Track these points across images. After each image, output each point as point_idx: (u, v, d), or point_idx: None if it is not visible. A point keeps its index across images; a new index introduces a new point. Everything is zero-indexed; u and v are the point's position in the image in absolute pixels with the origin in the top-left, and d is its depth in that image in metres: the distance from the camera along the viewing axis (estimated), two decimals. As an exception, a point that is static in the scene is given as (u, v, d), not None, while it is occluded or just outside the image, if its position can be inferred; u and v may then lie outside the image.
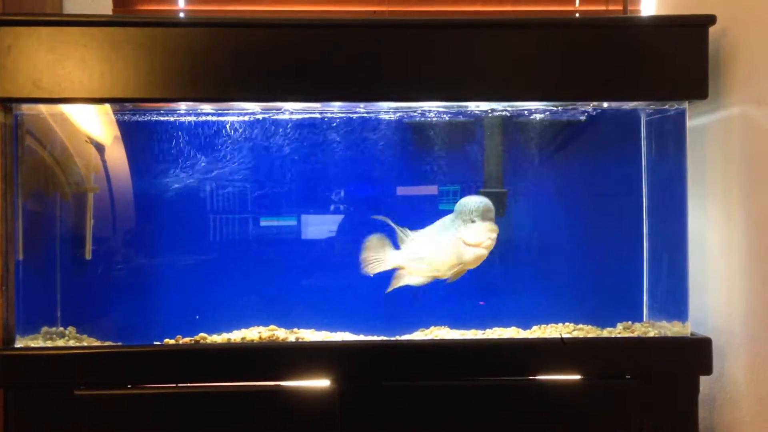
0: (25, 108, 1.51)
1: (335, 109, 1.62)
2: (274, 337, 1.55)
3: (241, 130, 1.67)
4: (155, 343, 1.51)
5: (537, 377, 1.46)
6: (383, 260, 1.66)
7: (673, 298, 1.57)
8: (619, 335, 1.58)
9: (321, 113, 1.65)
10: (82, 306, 1.65)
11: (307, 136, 1.69)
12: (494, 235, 1.57)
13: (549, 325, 1.65)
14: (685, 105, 1.51)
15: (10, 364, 1.40)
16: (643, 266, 1.67)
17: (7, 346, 1.43)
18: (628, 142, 1.69)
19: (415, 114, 1.65)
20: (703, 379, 1.49)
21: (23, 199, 1.49)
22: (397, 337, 1.58)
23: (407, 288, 1.68)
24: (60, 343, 1.53)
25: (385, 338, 1.55)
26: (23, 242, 1.48)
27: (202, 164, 1.68)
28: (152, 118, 1.65)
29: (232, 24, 1.42)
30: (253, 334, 1.57)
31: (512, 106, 1.59)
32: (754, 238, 1.44)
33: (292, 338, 1.56)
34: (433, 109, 1.62)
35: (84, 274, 1.66)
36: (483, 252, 1.58)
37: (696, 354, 1.46)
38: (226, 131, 1.67)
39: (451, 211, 1.63)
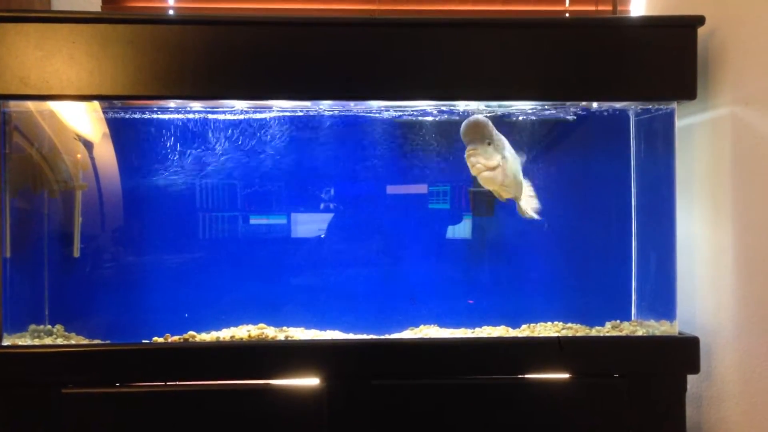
0: (13, 105, 1.50)
1: (323, 107, 1.62)
2: (264, 336, 1.54)
3: (229, 128, 1.67)
4: (144, 341, 1.51)
5: (526, 376, 1.47)
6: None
7: (661, 297, 1.58)
8: (607, 334, 1.59)
9: (304, 111, 1.64)
10: (70, 304, 1.64)
11: (293, 133, 1.69)
12: (473, 159, 1.51)
13: (538, 324, 1.65)
14: (674, 105, 1.52)
15: (-3, 363, 1.39)
16: (632, 265, 1.68)
17: (-6, 345, 1.43)
18: (617, 142, 1.70)
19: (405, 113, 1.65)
20: (691, 378, 1.50)
21: (11, 197, 1.48)
22: (387, 336, 1.58)
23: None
24: (48, 341, 1.53)
25: (374, 337, 1.55)
26: (11, 240, 1.47)
27: (191, 162, 1.67)
28: (141, 116, 1.64)
29: (222, 22, 1.42)
30: (243, 332, 1.56)
31: (501, 106, 1.60)
32: (741, 237, 1.45)
33: (281, 337, 1.55)
34: (424, 108, 1.62)
35: (72, 271, 1.65)
36: (484, 176, 1.53)
37: (683, 353, 1.47)
38: (214, 129, 1.66)
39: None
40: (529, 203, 1.66)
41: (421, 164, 1.73)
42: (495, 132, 1.54)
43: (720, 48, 1.50)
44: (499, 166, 1.53)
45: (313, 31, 1.42)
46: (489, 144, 1.52)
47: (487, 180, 1.54)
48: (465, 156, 1.51)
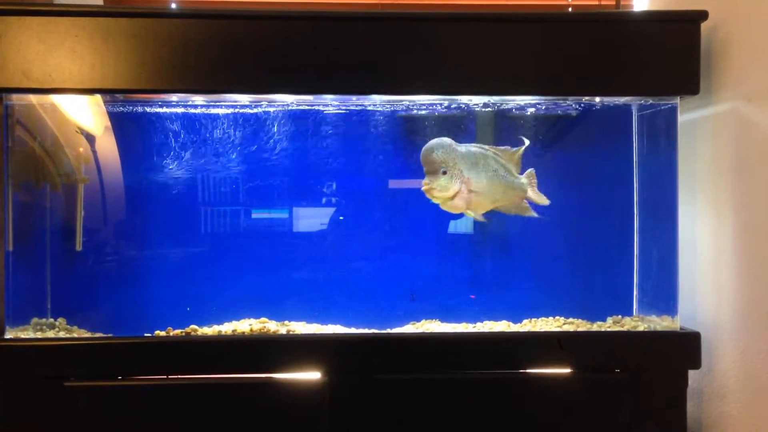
0: (15, 98, 1.50)
1: (325, 101, 1.62)
2: (265, 330, 1.55)
3: (231, 122, 1.67)
4: (146, 334, 1.51)
5: (528, 370, 1.47)
6: None
7: (662, 292, 1.58)
8: (609, 329, 1.59)
9: (312, 106, 1.64)
10: (72, 297, 1.64)
11: (294, 128, 1.69)
12: (427, 194, 1.55)
13: (540, 319, 1.66)
14: (677, 100, 1.52)
15: (-1, 356, 1.40)
16: (634, 261, 1.68)
17: (-4, 337, 1.43)
18: (619, 138, 1.69)
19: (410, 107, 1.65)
20: (692, 373, 1.50)
21: (13, 190, 1.48)
22: (388, 330, 1.58)
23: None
24: (50, 334, 1.53)
25: (376, 331, 1.56)
26: (13, 233, 1.48)
27: (193, 156, 1.67)
28: (143, 109, 1.64)
29: (225, 15, 1.42)
30: (244, 326, 1.57)
31: (503, 100, 1.59)
32: (743, 233, 1.45)
33: (283, 330, 1.56)
34: (426, 102, 1.62)
35: (74, 265, 1.65)
36: (444, 207, 1.58)
37: (685, 348, 1.47)
38: (216, 122, 1.66)
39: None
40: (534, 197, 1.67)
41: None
42: (455, 154, 1.55)
43: (723, 43, 1.49)
44: (459, 193, 1.55)
45: (315, 25, 1.42)
46: (444, 173, 1.54)
47: (450, 208, 1.58)
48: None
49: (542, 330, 1.58)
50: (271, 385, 1.44)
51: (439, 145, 1.55)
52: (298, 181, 1.73)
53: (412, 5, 2.14)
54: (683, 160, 1.55)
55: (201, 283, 1.69)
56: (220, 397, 1.43)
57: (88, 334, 1.56)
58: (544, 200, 1.66)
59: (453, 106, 1.63)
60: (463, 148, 1.58)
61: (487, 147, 1.61)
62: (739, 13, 1.46)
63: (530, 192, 1.66)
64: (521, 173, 1.65)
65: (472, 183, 1.56)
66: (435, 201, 1.57)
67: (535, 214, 1.66)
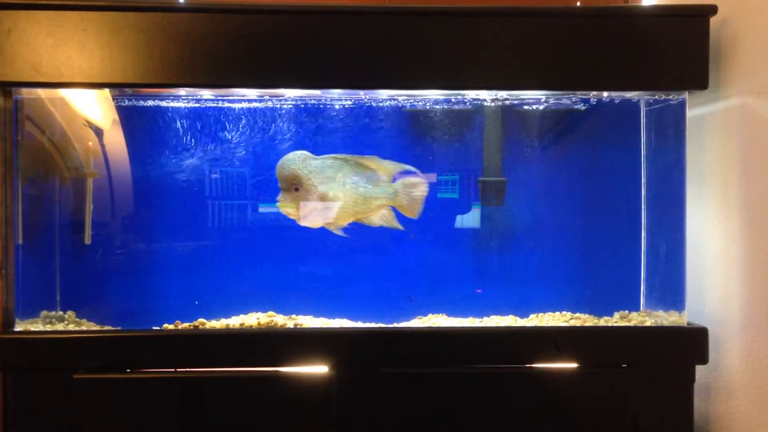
0: (25, 92, 1.51)
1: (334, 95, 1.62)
2: (273, 324, 1.55)
3: (239, 116, 1.67)
4: (154, 328, 1.52)
5: (534, 365, 1.47)
6: None
7: (670, 287, 1.58)
8: (616, 324, 1.59)
9: (319, 100, 1.65)
10: (81, 290, 1.65)
11: (301, 123, 1.69)
12: (281, 211, 1.57)
13: (546, 314, 1.66)
14: (685, 95, 1.51)
15: (9, 348, 1.40)
16: (641, 256, 1.68)
17: (6, 330, 1.44)
18: (627, 132, 1.69)
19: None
20: (699, 369, 1.50)
21: (23, 184, 1.49)
22: (395, 325, 1.59)
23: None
24: (59, 327, 1.54)
25: (383, 325, 1.56)
26: (23, 226, 1.49)
27: (202, 150, 1.68)
28: (151, 103, 1.64)
29: (233, 10, 1.42)
30: (252, 320, 1.57)
31: (512, 95, 1.59)
32: (751, 228, 1.44)
33: (290, 324, 1.56)
34: (433, 97, 1.62)
35: (83, 258, 1.66)
36: (301, 223, 1.60)
37: (692, 343, 1.47)
38: (224, 117, 1.67)
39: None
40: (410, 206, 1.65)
41: (429, 154, 1.73)
42: (309, 168, 1.56)
43: (732, 38, 1.49)
44: (314, 208, 1.56)
45: (323, 20, 1.42)
46: (296, 189, 1.55)
47: (306, 223, 1.59)
48: None
49: (549, 325, 1.58)
50: (279, 379, 1.45)
51: (292, 160, 1.56)
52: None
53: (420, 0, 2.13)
54: (691, 155, 1.55)
55: (209, 277, 1.70)
56: (227, 391, 1.44)
57: (96, 327, 1.57)
58: (413, 212, 1.63)
59: (462, 100, 1.63)
60: (318, 161, 1.58)
61: (348, 157, 1.61)
62: (748, 7, 1.45)
63: (401, 200, 1.64)
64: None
65: (327, 196, 1.56)
66: (291, 217, 1.57)
67: (401, 227, 1.65)
